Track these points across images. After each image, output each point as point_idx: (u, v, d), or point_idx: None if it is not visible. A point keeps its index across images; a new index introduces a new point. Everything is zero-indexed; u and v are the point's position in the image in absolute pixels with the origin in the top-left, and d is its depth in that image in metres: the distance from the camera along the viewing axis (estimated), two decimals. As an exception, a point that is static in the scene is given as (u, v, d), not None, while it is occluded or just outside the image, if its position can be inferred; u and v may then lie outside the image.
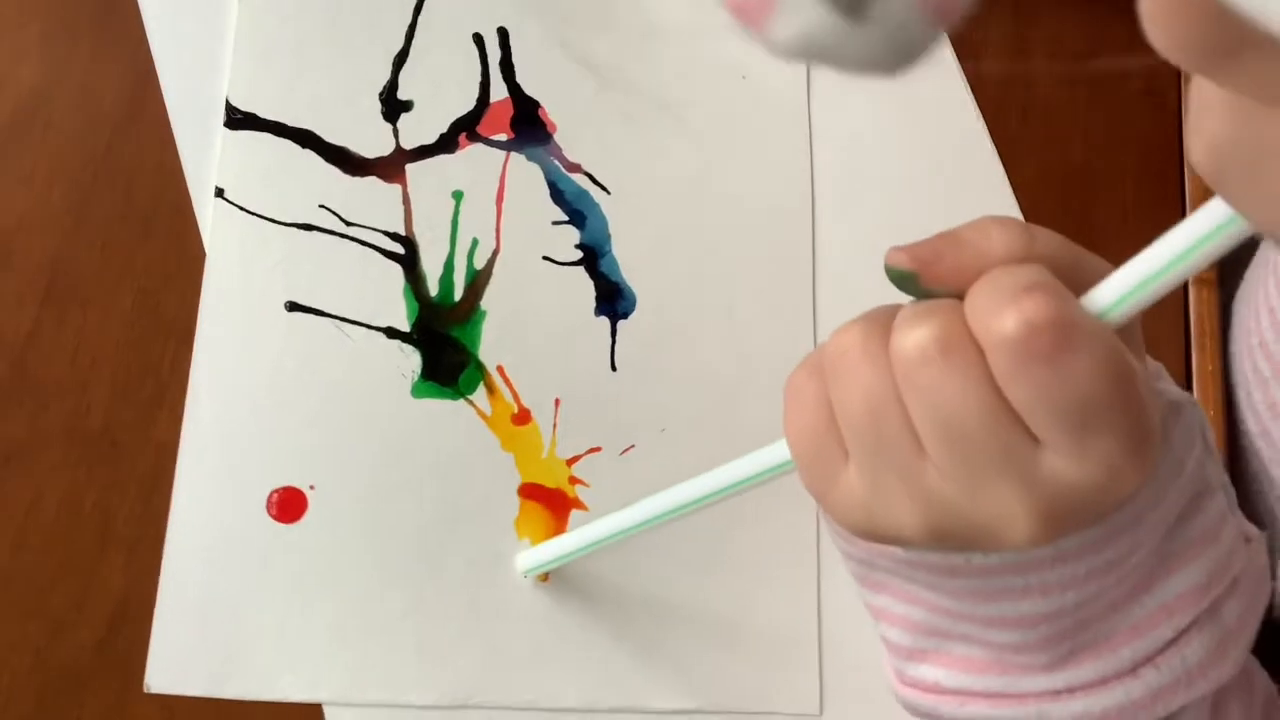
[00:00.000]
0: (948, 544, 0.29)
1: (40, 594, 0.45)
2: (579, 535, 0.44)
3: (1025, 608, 0.31)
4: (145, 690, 0.44)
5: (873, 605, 0.36)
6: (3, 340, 0.47)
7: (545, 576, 0.48)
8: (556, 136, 0.53)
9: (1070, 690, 0.32)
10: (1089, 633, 0.32)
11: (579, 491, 0.49)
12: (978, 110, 0.56)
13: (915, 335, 0.28)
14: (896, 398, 0.28)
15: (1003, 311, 0.26)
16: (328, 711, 0.46)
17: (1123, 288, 0.27)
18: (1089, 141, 0.57)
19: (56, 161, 0.49)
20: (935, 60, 0.57)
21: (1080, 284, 0.27)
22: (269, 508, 0.47)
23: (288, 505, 0.47)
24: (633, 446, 0.50)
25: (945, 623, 0.33)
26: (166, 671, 0.45)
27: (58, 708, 0.44)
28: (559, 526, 0.49)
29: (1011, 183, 0.55)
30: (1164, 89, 0.59)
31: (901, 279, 0.30)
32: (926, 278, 0.29)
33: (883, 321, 0.29)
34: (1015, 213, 0.55)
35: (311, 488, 0.47)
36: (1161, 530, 0.32)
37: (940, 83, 0.57)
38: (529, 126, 0.53)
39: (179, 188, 0.49)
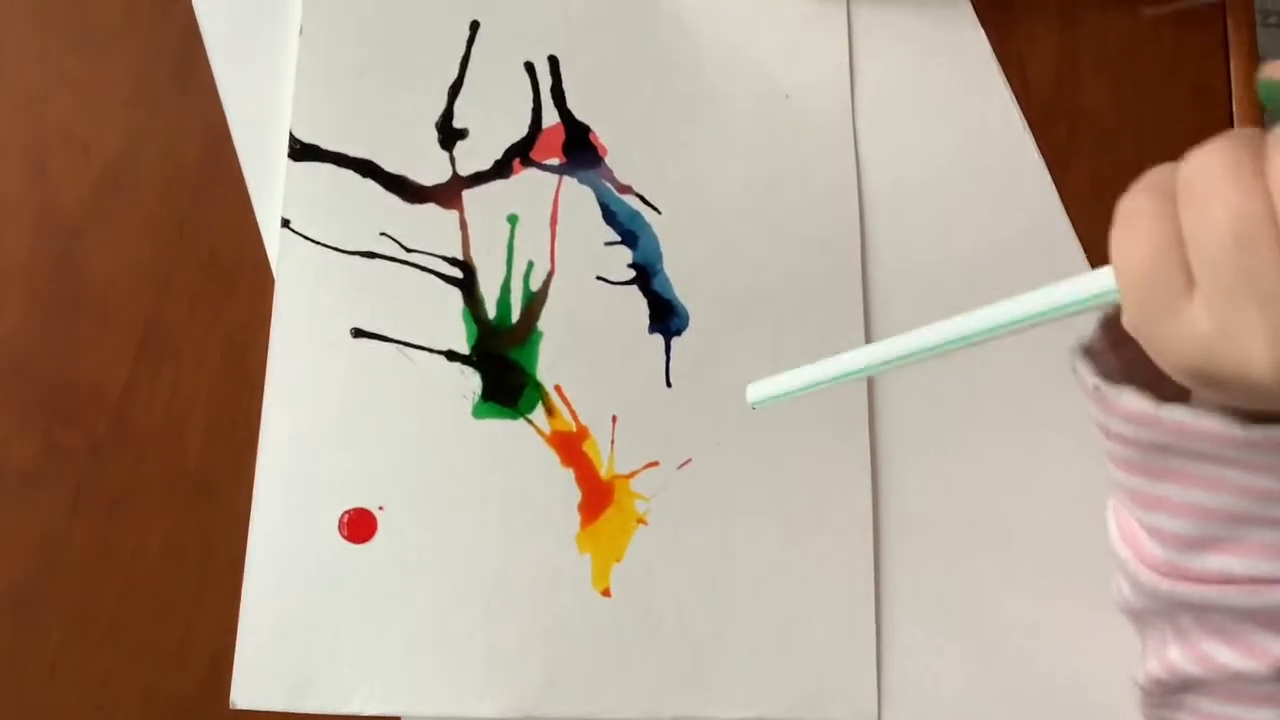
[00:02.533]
0: None
1: (148, 634, 0.47)
2: (817, 369, 0.40)
3: None
4: (231, 707, 0.46)
5: (1147, 494, 0.34)
6: (103, 394, 0.49)
7: (608, 590, 0.50)
8: (607, 160, 0.54)
9: None
10: None
11: (637, 506, 0.51)
12: (1024, 119, 0.56)
13: None
14: (1270, 214, 0.26)
15: None
16: (403, 724, 0.48)
17: None
18: (1139, 146, 0.57)
19: (145, 221, 0.51)
20: (980, 71, 0.57)
21: None
22: (341, 529, 0.49)
23: (358, 526, 0.49)
24: (690, 460, 0.51)
25: (1254, 506, 0.32)
26: (249, 689, 0.47)
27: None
28: (619, 541, 0.50)
29: (1060, 191, 0.55)
30: (1214, 87, 0.59)
31: (1274, 91, 0.29)
32: None
33: (1251, 145, 0.27)
34: (1064, 224, 0.55)
35: (380, 508, 0.49)
36: None
37: (985, 94, 0.57)
38: (580, 150, 0.54)
39: (257, 240, 0.51)
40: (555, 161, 0.54)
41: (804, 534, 0.51)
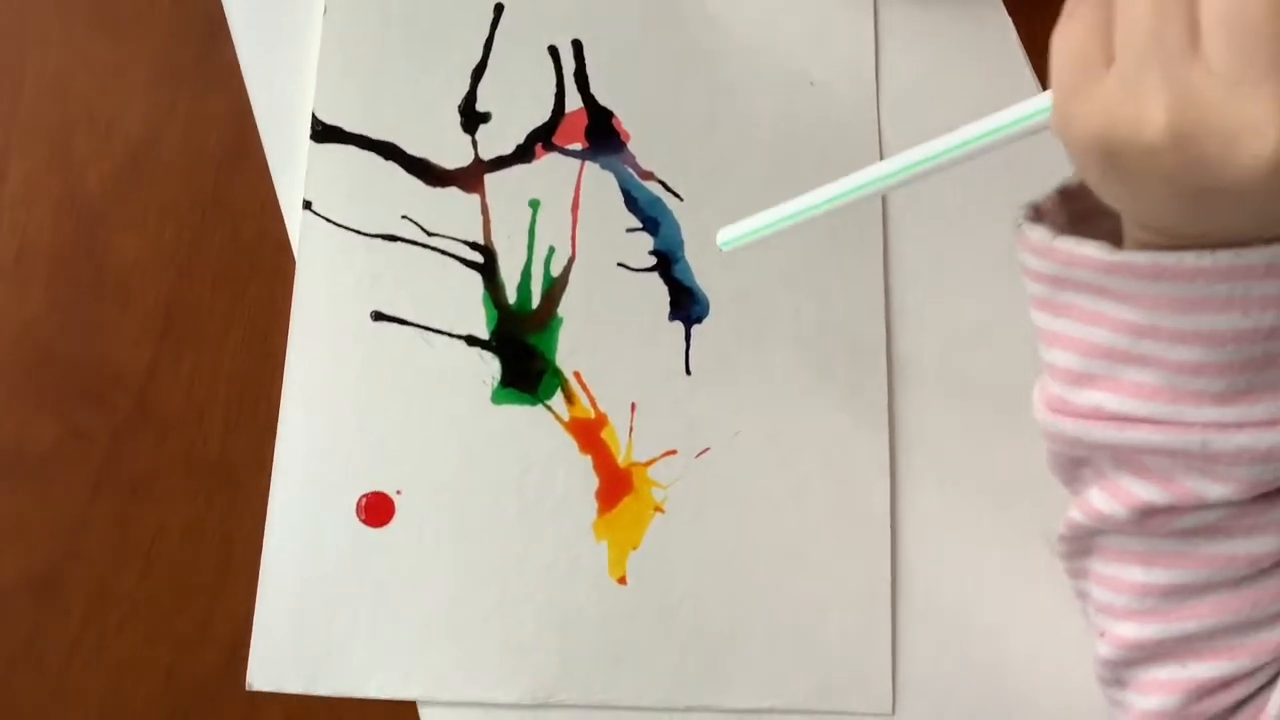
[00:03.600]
0: (1186, 148, 0.29)
1: (168, 617, 0.48)
2: (788, 206, 0.43)
3: (1220, 321, 0.32)
4: (247, 689, 0.47)
5: (1048, 330, 0.36)
6: (125, 377, 0.49)
7: (623, 578, 0.49)
8: (630, 145, 0.54)
9: (1239, 425, 0.33)
10: (1272, 371, 0.33)
11: (655, 494, 0.51)
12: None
13: None
14: None
15: None
16: (422, 710, 0.48)
17: None
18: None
19: (167, 203, 0.51)
20: (1007, 61, 0.57)
21: None
22: (359, 512, 0.49)
23: (376, 510, 0.49)
24: (708, 450, 0.51)
25: (1127, 342, 0.34)
26: (266, 671, 0.47)
27: (190, 721, 0.47)
28: (636, 529, 0.50)
29: (1086, 183, 0.55)
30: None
31: None
32: None
33: None
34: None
35: (399, 492, 0.49)
36: None
37: (1012, 84, 0.57)
38: (603, 136, 0.54)
39: (281, 223, 0.51)
40: (578, 146, 0.54)
41: (821, 525, 0.51)
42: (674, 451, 0.51)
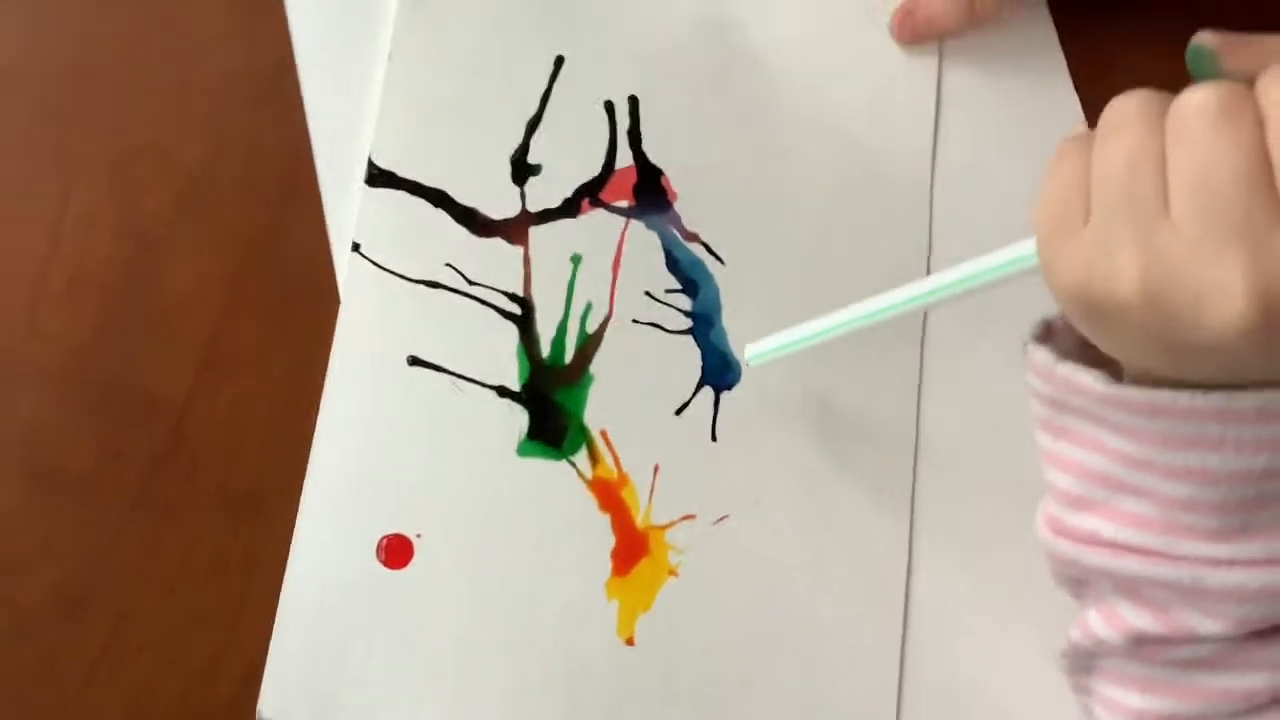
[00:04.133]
0: (1158, 307, 0.30)
1: (185, 644, 0.49)
2: (807, 327, 0.47)
3: (1213, 461, 0.32)
4: (258, 718, 0.48)
5: (1050, 451, 0.37)
6: (165, 404, 0.51)
7: (631, 639, 0.50)
8: (676, 205, 0.54)
9: (1231, 562, 0.33)
10: (1265, 512, 0.33)
11: (670, 557, 0.51)
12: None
13: (1200, 94, 0.29)
14: (1158, 153, 0.29)
15: None
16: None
17: None
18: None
19: (220, 236, 0.52)
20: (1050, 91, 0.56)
21: None
22: (379, 553, 0.50)
23: (396, 552, 0.50)
24: (726, 516, 0.52)
25: (1123, 471, 0.34)
26: (277, 701, 0.48)
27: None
28: (648, 591, 0.51)
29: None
30: None
31: (1201, 56, 0.34)
32: (1229, 58, 0.33)
33: (1162, 96, 0.31)
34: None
35: (419, 536, 0.50)
36: None
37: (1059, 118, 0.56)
38: (650, 194, 0.54)
39: (329, 262, 0.52)
40: (624, 204, 0.54)
41: (834, 598, 0.51)
42: (693, 516, 0.52)
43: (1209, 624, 0.34)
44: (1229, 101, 0.29)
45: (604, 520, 0.51)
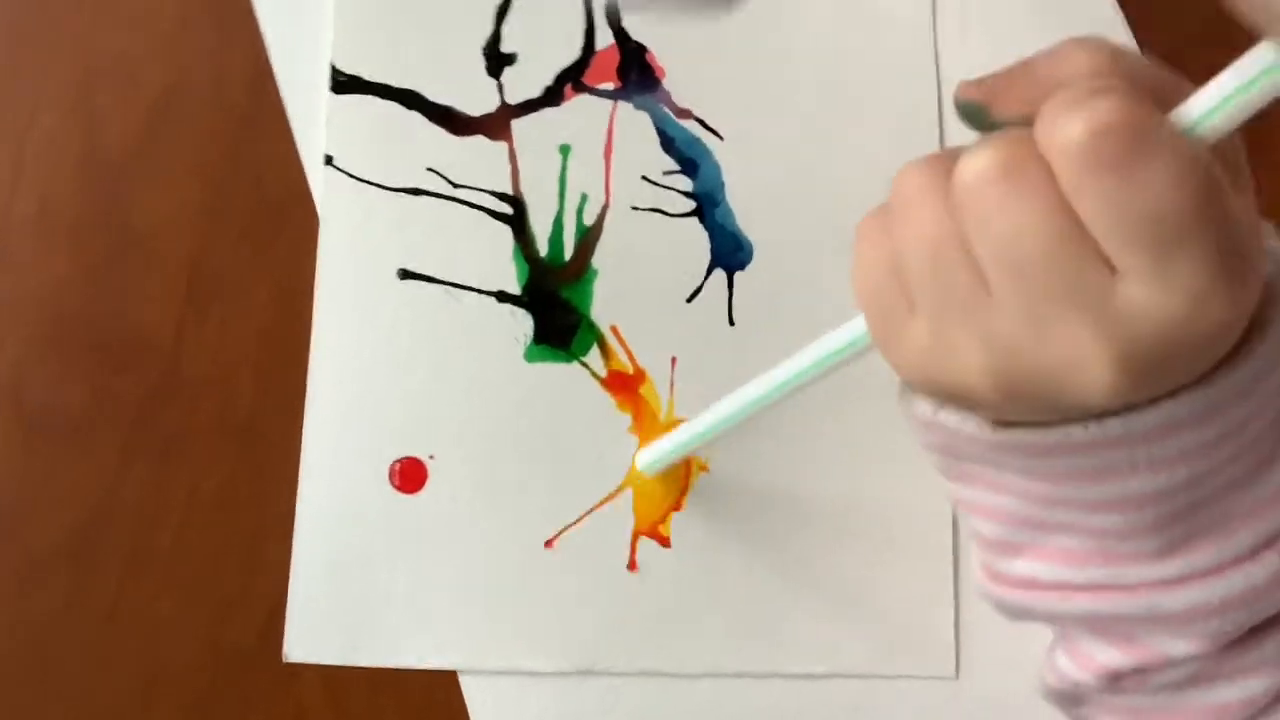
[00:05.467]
0: (1018, 398, 0.27)
1: (205, 582, 0.47)
2: (688, 428, 0.44)
3: (1133, 487, 0.28)
4: (284, 660, 0.46)
5: (961, 499, 0.33)
6: (152, 339, 0.48)
7: (667, 540, 0.47)
8: (665, 82, 0.51)
9: (1183, 579, 0.30)
10: (1203, 516, 0.29)
11: (698, 451, 0.48)
12: (1127, 25, 0.51)
13: (976, 161, 0.25)
14: (956, 234, 0.26)
15: (1070, 117, 0.24)
16: (462, 679, 0.46)
17: (1210, 102, 0.24)
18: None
19: (190, 160, 0.49)
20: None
21: (1171, 107, 0.25)
22: (391, 478, 0.47)
23: (409, 475, 0.47)
24: (754, 403, 0.49)
25: (1041, 512, 0.31)
26: (302, 642, 0.46)
27: (226, 689, 0.46)
28: (679, 488, 0.48)
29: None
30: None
31: (971, 113, 0.29)
32: (997, 108, 0.28)
33: (947, 160, 0.27)
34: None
35: (431, 457, 0.47)
36: None
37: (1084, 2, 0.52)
38: (636, 73, 0.51)
39: (304, 178, 0.49)
40: (609, 86, 0.51)
41: (878, 478, 0.48)
42: (718, 406, 0.49)
43: (1182, 645, 0.31)
44: (1011, 160, 0.25)
45: (624, 420, 0.48)
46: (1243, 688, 0.31)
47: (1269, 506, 0.29)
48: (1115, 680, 0.32)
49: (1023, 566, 0.32)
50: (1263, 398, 0.28)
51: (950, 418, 0.30)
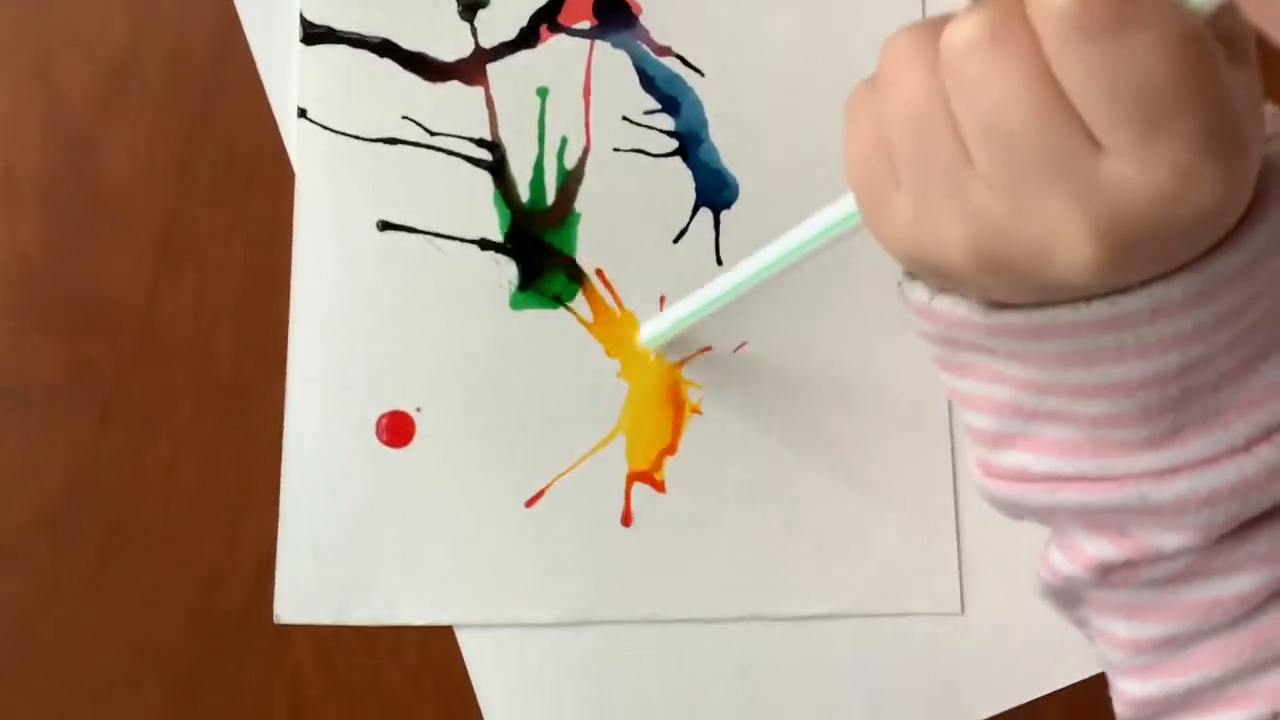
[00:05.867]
0: (997, 272, 0.26)
1: (190, 549, 0.46)
2: (687, 303, 0.44)
3: (1121, 372, 0.28)
4: (275, 621, 0.45)
5: (958, 391, 0.33)
6: (127, 303, 0.47)
7: (661, 485, 0.46)
8: (643, 19, 0.49)
9: (1174, 470, 0.29)
10: (1197, 406, 0.29)
11: (691, 394, 0.47)
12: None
13: (964, 26, 0.25)
14: (941, 103, 0.25)
15: None
16: (459, 634, 0.46)
17: None
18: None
19: (156, 118, 0.48)
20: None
21: None
22: (378, 433, 0.46)
23: (396, 429, 0.46)
24: (745, 344, 0.48)
25: (1032, 400, 0.30)
26: (294, 603, 0.45)
27: (219, 656, 0.46)
28: (672, 434, 0.47)
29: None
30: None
31: None
32: None
33: (936, 28, 0.26)
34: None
35: (418, 410, 0.46)
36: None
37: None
38: (613, 10, 0.49)
39: (277, 132, 0.48)
40: (586, 25, 0.49)
41: (874, 417, 0.47)
42: (709, 348, 0.48)
43: (1173, 538, 0.30)
44: (998, 26, 0.24)
45: (613, 365, 0.47)
46: (1235, 583, 0.31)
47: (1266, 398, 0.29)
48: (1105, 574, 0.32)
49: (1014, 458, 0.32)
50: (1261, 283, 0.27)
51: (943, 303, 0.30)
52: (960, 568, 0.47)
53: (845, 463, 0.47)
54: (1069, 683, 0.47)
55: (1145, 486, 0.29)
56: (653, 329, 0.46)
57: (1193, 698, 0.32)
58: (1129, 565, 0.31)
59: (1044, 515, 0.33)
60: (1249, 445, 0.29)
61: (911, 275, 0.33)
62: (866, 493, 0.47)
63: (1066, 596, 0.35)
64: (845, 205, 0.33)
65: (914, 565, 0.47)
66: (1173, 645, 0.32)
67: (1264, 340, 0.28)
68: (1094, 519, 0.32)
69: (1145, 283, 0.27)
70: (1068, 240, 0.25)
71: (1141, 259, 0.25)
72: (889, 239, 0.29)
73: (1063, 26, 0.23)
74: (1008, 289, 0.28)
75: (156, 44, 0.49)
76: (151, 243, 0.47)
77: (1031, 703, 0.47)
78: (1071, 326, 0.28)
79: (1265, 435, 0.29)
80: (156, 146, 0.48)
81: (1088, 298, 0.27)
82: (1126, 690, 0.34)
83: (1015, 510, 0.33)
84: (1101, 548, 0.32)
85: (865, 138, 0.28)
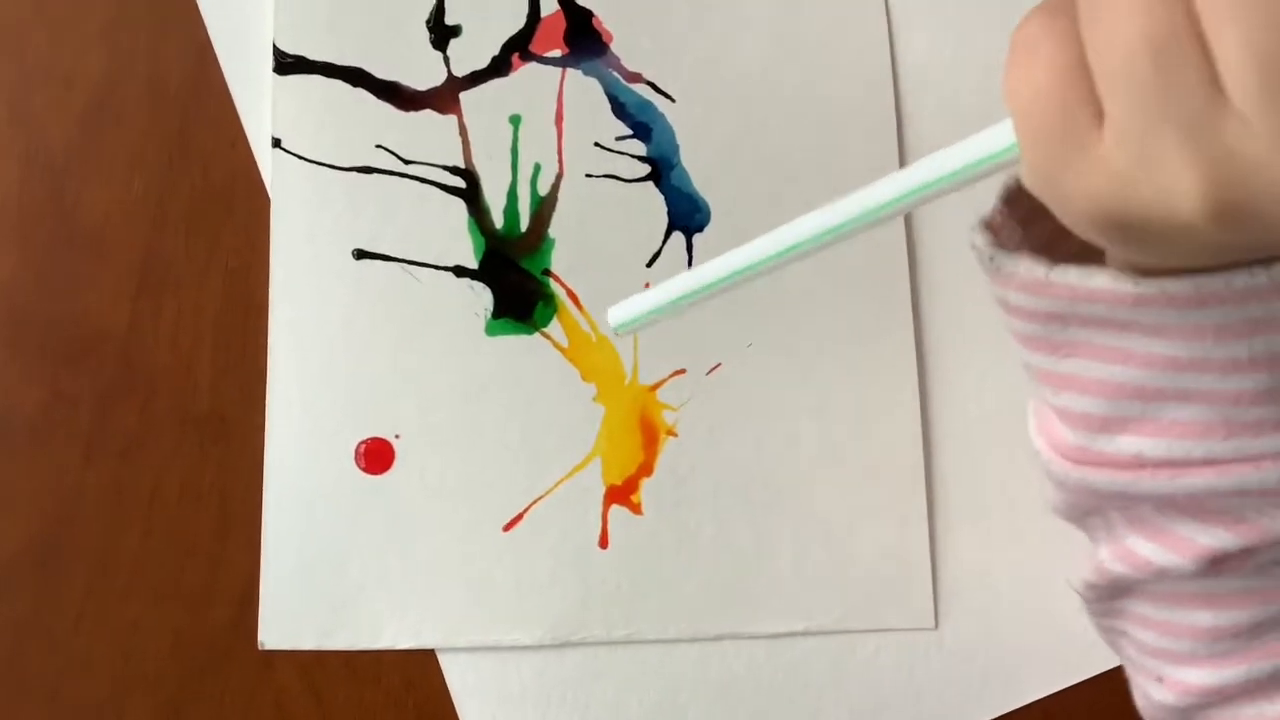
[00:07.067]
0: (1233, 224, 0.23)
1: (172, 578, 0.46)
2: (684, 279, 0.34)
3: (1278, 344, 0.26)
4: (260, 648, 0.45)
5: (1054, 373, 0.30)
6: (107, 335, 0.47)
7: (639, 508, 0.47)
8: (613, 46, 0.50)
9: None
10: None
11: (666, 417, 0.48)
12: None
13: None
14: (1191, 28, 0.22)
15: None
16: (441, 657, 0.46)
17: None
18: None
19: (133, 151, 0.49)
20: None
21: None
22: (357, 460, 0.47)
23: (375, 456, 0.47)
24: (719, 365, 0.48)
25: (1163, 379, 0.28)
26: (277, 629, 0.46)
27: (201, 684, 0.46)
28: (647, 456, 0.48)
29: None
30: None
31: None
32: None
33: None
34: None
35: (397, 437, 0.47)
36: None
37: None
38: (583, 39, 0.50)
39: (252, 162, 0.49)
40: (557, 53, 0.50)
41: (847, 437, 0.48)
42: (683, 371, 0.48)
43: None
44: None
45: (589, 389, 0.48)
46: None
47: None
48: (1217, 564, 0.30)
49: (1128, 443, 0.29)
50: None
51: (1073, 275, 0.28)
52: (934, 584, 0.48)
53: (819, 482, 0.48)
54: (1043, 694, 0.47)
55: None
56: (623, 312, 0.35)
57: (1273, 680, 0.32)
58: (1245, 553, 0.30)
59: (1142, 506, 0.31)
60: None
61: (991, 241, 0.30)
62: (841, 511, 0.48)
63: (1120, 590, 0.33)
64: (974, 149, 0.27)
65: (889, 582, 0.47)
66: (1262, 630, 0.31)
67: None
68: (1207, 506, 0.30)
69: None
70: None
71: None
72: (1077, 188, 0.24)
73: None
74: (1208, 253, 0.25)
75: (132, 76, 0.49)
76: (130, 273, 0.48)
77: (1006, 715, 0.47)
78: (1244, 293, 0.26)
79: None
80: (133, 178, 0.48)
81: (1267, 260, 0.25)
82: (1187, 680, 0.33)
83: (1105, 500, 0.31)
84: (1215, 537, 0.30)
85: (1056, 66, 0.24)
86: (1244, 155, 0.22)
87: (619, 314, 0.35)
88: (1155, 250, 0.26)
